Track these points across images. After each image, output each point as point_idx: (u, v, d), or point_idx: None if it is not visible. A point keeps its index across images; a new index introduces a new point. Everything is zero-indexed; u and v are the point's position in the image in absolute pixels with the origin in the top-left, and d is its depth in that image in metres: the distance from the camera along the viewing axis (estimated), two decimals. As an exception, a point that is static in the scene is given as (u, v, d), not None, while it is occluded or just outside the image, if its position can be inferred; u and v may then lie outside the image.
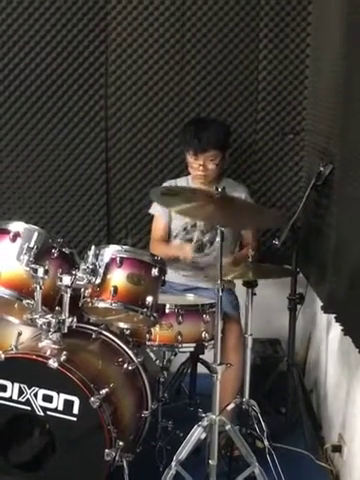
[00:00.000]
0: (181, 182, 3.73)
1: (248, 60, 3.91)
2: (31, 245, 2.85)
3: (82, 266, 2.92)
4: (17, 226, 2.90)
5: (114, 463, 2.78)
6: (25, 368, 2.79)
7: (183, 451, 2.88)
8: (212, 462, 2.84)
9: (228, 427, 2.88)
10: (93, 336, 3.14)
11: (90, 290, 2.96)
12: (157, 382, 3.26)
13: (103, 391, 2.77)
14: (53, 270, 2.86)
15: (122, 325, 3.16)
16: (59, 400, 2.74)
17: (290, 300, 3.59)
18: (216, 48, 3.89)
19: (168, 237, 3.70)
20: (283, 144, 4.00)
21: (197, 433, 2.87)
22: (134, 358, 3.11)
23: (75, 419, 2.73)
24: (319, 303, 3.31)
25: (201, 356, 3.49)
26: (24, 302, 2.84)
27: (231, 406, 3.17)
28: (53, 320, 2.84)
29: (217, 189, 2.75)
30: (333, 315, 3.01)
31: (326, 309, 3.09)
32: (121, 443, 2.79)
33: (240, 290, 3.44)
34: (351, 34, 2.85)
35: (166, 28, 3.86)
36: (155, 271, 3.00)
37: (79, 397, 2.72)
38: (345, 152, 2.91)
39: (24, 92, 3.89)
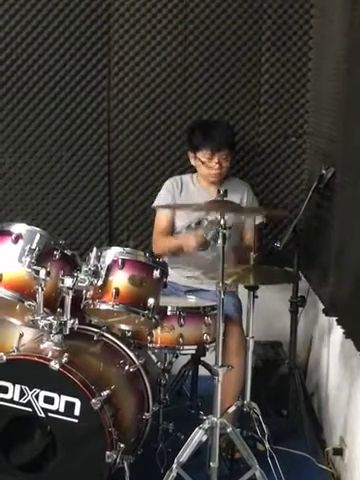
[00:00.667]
0: (186, 179, 3.76)
1: (250, 63, 3.92)
2: (33, 247, 2.85)
3: (84, 268, 2.92)
4: (19, 228, 2.90)
5: (115, 465, 2.78)
6: (27, 370, 2.79)
7: (184, 453, 2.88)
8: (213, 464, 2.84)
9: (229, 429, 2.88)
10: (95, 338, 3.13)
11: (92, 292, 2.96)
12: (158, 384, 3.26)
13: (104, 393, 2.77)
14: (55, 272, 2.87)
15: (124, 327, 3.16)
16: (60, 402, 2.73)
17: (292, 303, 3.60)
18: (219, 50, 3.90)
19: (171, 232, 3.71)
20: (285, 147, 4.00)
21: (198, 435, 2.87)
22: (135, 360, 3.11)
23: (76, 421, 2.73)
24: (321, 306, 3.31)
25: (202, 358, 3.50)
26: (26, 304, 2.83)
27: (232, 408, 3.18)
28: (55, 322, 2.84)
29: (219, 192, 2.80)
30: (335, 318, 3.01)
31: (328, 312, 3.08)
32: (122, 445, 2.79)
33: (242, 293, 3.44)
34: (353, 37, 2.85)
35: (169, 30, 3.86)
36: (157, 273, 3.00)
37: (80, 399, 2.72)
38: (347, 155, 2.91)
39: (26, 94, 3.90)
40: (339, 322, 2.94)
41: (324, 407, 3.65)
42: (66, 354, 2.79)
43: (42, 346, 2.89)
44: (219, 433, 2.84)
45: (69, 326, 2.86)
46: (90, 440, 2.73)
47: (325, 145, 3.43)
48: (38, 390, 2.75)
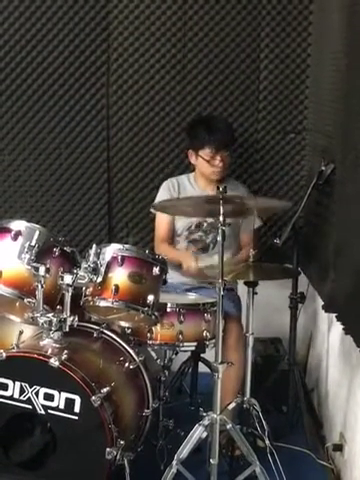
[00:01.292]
0: (182, 180, 3.74)
1: (250, 59, 3.91)
2: (32, 244, 2.85)
3: (83, 265, 2.92)
4: (18, 225, 2.90)
5: (115, 462, 2.78)
6: (26, 367, 2.79)
7: (184, 450, 2.88)
8: (213, 461, 2.84)
9: (229, 426, 2.88)
10: (94, 335, 3.14)
11: (91, 289, 2.96)
12: (158, 381, 3.26)
13: (104, 390, 2.77)
14: (54, 269, 2.86)
15: (123, 324, 3.16)
16: (60, 399, 2.73)
17: (291, 299, 3.60)
18: (218, 47, 3.89)
19: (172, 236, 3.70)
20: (284, 143, 4.00)
21: (198, 432, 2.87)
22: (135, 357, 3.11)
23: (76, 418, 2.73)
24: (320, 302, 3.31)
25: (202, 355, 3.50)
26: (25, 301, 2.83)
27: (232, 405, 3.17)
28: (54, 319, 2.84)
29: (219, 188, 2.78)
30: (334, 314, 3.01)
31: (327, 308, 3.09)
32: (122, 442, 2.79)
33: (241, 289, 3.44)
34: (352, 33, 2.85)
35: (168, 27, 3.86)
36: (156, 270, 3.00)
37: (80, 396, 2.72)
38: (346, 151, 2.91)
39: (26, 91, 3.89)
40: (339, 318, 2.94)
41: (324, 403, 3.66)
42: (66, 351, 2.79)
43: (42, 343, 2.89)
44: (219, 430, 2.84)
45: (69, 323, 2.86)
46: (90, 437, 2.74)
47: (324, 141, 3.43)
48: (38, 387, 2.75)
